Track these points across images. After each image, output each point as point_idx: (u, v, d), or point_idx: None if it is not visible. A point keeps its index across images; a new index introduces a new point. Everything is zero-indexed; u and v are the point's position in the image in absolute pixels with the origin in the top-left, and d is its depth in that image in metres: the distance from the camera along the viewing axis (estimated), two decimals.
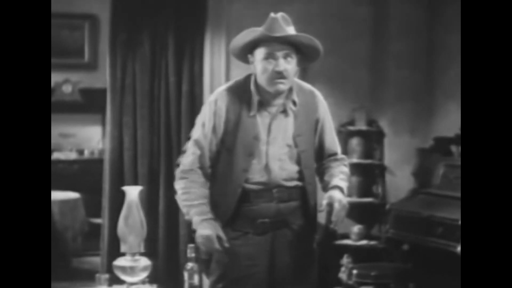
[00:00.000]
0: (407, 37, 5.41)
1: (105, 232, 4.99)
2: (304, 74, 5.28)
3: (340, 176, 2.99)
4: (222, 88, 3.07)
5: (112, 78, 5.07)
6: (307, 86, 3.14)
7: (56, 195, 6.08)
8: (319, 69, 5.33)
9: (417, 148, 5.16)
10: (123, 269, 3.00)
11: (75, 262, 6.39)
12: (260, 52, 2.98)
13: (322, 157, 3.08)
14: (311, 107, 3.05)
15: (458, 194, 4.06)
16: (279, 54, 2.95)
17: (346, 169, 3.07)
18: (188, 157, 3.03)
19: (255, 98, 2.97)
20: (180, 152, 5.10)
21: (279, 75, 2.91)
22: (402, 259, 4.78)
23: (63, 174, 7.22)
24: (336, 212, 2.82)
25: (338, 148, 3.12)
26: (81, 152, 7.81)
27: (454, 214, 4.05)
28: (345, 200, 2.88)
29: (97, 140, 7.86)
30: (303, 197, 2.98)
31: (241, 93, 2.99)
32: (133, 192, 3.01)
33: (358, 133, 5.34)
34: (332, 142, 3.10)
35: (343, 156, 3.14)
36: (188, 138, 3.10)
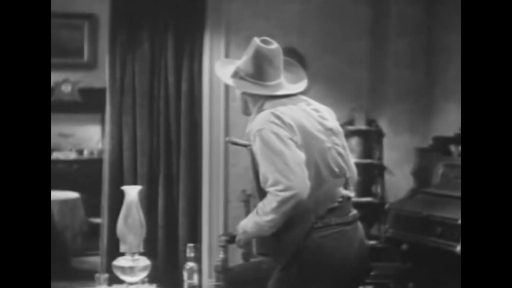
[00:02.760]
0: (406, 36, 5.40)
1: (104, 232, 5.00)
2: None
3: (254, 212, 2.89)
4: None
5: (111, 78, 5.07)
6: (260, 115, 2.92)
7: (56, 195, 6.09)
8: (318, 69, 5.33)
9: (417, 148, 5.15)
10: (123, 269, 3.01)
11: (75, 262, 6.39)
12: None
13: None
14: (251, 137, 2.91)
15: (458, 194, 4.06)
16: None
17: (263, 203, 2.81)
18: None
19: None
20: (179, 151, 5.15)
21: None
22: (401, 258, 4.78)
23: (62, 174, 7.22)
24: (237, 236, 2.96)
25: (270, 178, 2.76)
26: (80, 152, 7.81)
27: (454, 214, 4.05)
28: (241, 229, 2.92)
29: (97, 140, 7.86)
30: None
31: None
32: (132, 192, 3.02)
33: (357, 132, 5.34)
34: (264, 172, 2.80)
35: (275, 186, 2.75)
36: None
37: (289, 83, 3.03)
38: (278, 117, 2.81)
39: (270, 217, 2.75)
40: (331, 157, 2.89)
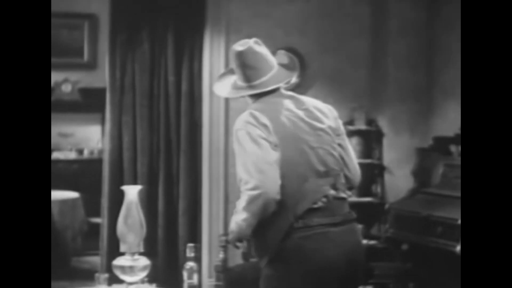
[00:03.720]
0: (406, 36, 5.40)
1: (104, 231, 5.00)
2: (303, 74, 5.29)
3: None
4: None
5: (111, 78, 5.07)
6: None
7: (56, 194, 6.09)
8: (318, 69, 5.33)
9: (417, 148, 5.16)
10: (123, 268, 3.00)
11: (75, 262, 6.40)
12: None
13: None
14: None
15: (458, 194, 4.06)
16: None
17: (238, 202, 2.86)
18: None
19: None
20: (179, 151, 5.15)
21: None
22: (401, 258, 4.78)
23: (62, 174, 7.23)
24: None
25: (242, 177, 2.80)
26: (80, 151, 7.82)
27: (454, 214, 4.05)
28: (229, 229, 2.94)
29: (97, 139, 7.86)
30: None
31: None
32: (132, 192, 3.02)
33: (357, 132, 5.35)
34: (237, 171, 2.85)
35: (245, 185, 2.79)
36: None
37: (282, 79, 3.03)
38: (254, 117, 2.85)
39: (243, 215, 2.79)
40: (316, 157, 2.88)
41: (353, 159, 3.06)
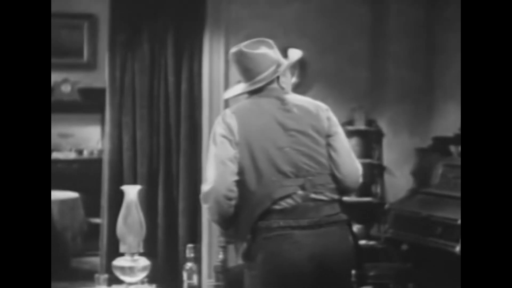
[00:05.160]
0: (406, 36, 5.41)
1: (104, 232, 4.99)
2: (303, 74, 5.29)
3: None
4: None
5: (111, 78, 5.07)
6: None
7: (56, 195, 6.09)
8: (318, 69, 5.33)
9: (416, 148, 5.16)
10: (122, 269, 3.00)
11: (74, 262, 6.40)
12: (289, 69, 3.13)
13: None
14: None
15: (457, 194, 4.07)
16: None
17: None
18: None
19: None
20: (179, 151, 5.15)
21: None
22: (401, 259, 4.78)
23: (62, 174, 7.22)
24: None
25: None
26: (80, 152, 7.82)
27: (453, 214, 4.05)
28: None
29: (96, 140, 7.86)
30: None
31: None
32: (132, 192, 3.02)
33: (357, 133, 5.34)
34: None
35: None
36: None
37: (268, 78, 3.03)
38: (223, 116, 2.95)
39: (207, 209, 2.93)
40: (282, 157, 2.86)
41: (346, 161, 2.97)
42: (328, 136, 2.96)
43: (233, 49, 3.03)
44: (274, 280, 2.80)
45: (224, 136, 2.88)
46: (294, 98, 3.03)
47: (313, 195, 2.87)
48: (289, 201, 2.84)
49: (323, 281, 2.81)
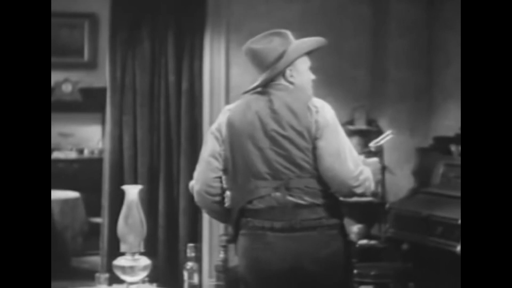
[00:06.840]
0: (407, 35, 5.40)
1: (105, 231, 5.00)
2: None
3: None
4: None
5: (111, 77, 5.07)
6: None
7: (56, 194, 6.09)
8: (318, 68, 5.32)
9: (417, 148, 5.15)
10: (123, 268, 3.00)
11: (75, 262, 6.40)
12: (304, 62, 3.21)
13: None
14: None
15: (458, 193, 4.06)
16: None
17: None
18: None
19: None
20: (180, 150, 5.15)
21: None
22: (401, 258, 4.77)
23: (63, 174, 7.23)
24: None
25: None
26: (81, 151, 7.82)
27: (454, 214, 4.04)
28: None
29: (97, 139, 7.86)
30: None
31: None
32: (133, 191, 3.01)
33: (358, 132, 5.34)
34: None
35: None
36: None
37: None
38: (222, 112, 3.03)
39: None
40: (261, 158, 2.84)
41: (332, 164, 2.81)
42: (315, 139, 2.84)
43: (245, 45, 3.04)
44: (250, 275, 2.90)
45: (212, 133, 2.97)
46: (288, 97, 2.91)
47: (290, 198, 2.82)
48: (264, 202, 2.84)
49: (298, 285, 2.82)
